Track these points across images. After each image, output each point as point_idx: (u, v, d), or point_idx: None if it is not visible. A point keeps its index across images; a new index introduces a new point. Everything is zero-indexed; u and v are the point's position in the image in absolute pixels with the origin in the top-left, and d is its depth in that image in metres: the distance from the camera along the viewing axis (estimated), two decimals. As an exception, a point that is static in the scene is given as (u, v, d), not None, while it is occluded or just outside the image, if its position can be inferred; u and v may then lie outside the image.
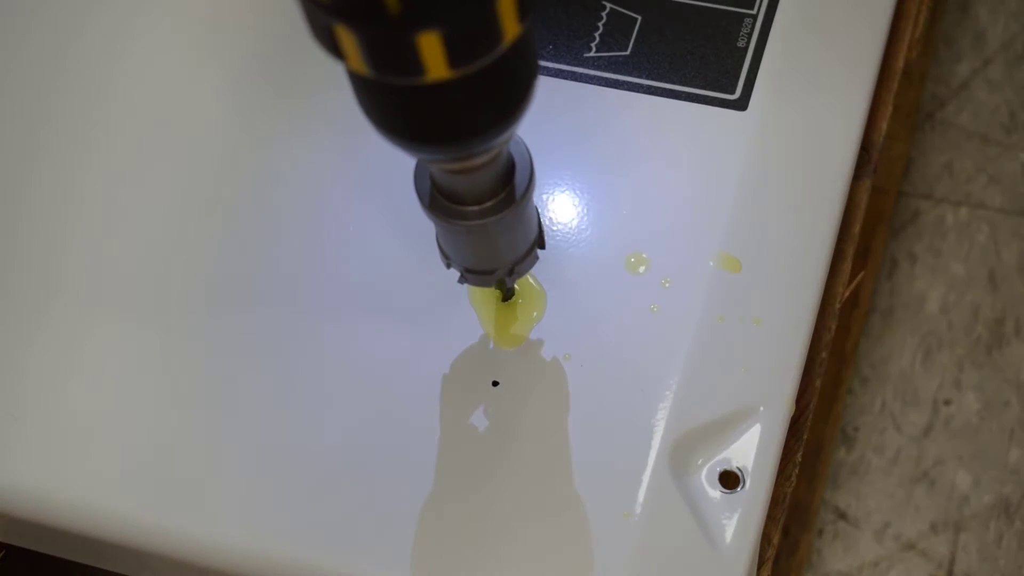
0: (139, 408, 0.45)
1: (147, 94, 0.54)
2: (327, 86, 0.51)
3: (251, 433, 0.44)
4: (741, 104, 0.51)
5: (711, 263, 0.46)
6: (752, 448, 0.43)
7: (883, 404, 0.92)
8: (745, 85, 0.52)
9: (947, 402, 0.91)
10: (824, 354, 0.54)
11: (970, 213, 0.99)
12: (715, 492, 0.42)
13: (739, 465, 0.42)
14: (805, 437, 0.51)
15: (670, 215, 0.48)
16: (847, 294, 0.56)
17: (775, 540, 0.49)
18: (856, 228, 0.57)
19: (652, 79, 0.52)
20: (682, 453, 0.43)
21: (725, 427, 0.43)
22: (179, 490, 0.43)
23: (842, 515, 0.87)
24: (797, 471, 0.50)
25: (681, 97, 0.52)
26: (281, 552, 0.42)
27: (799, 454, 0.50)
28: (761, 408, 0.44)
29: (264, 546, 0.42)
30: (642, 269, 0.47)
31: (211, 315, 0.47)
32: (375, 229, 0.49)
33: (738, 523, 0.41)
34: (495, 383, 0.45)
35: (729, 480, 0.42)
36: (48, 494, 0.44)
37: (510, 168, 0.39)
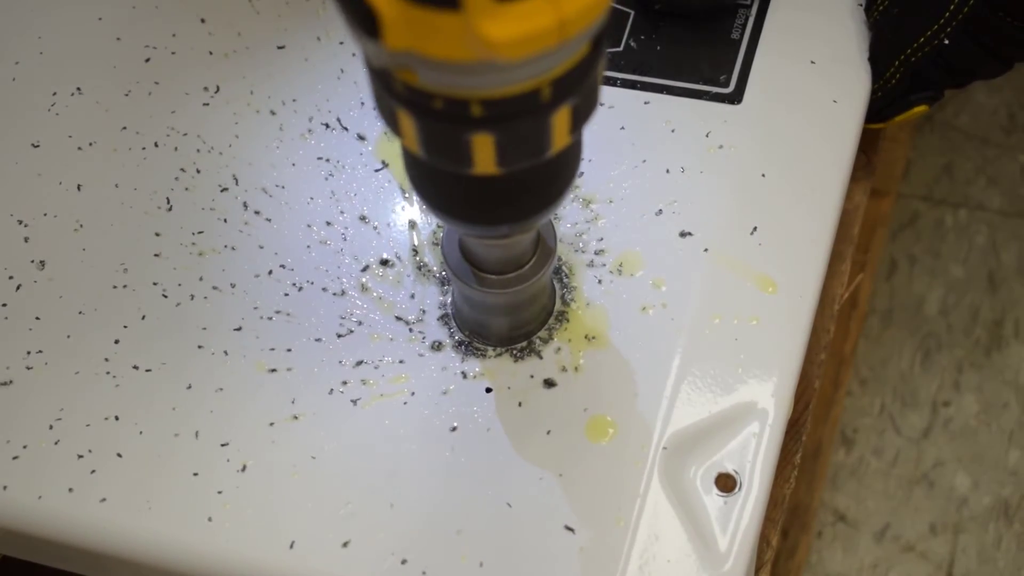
0: (133, 420, 0.45)
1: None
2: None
3: (246, 446, 0.44)
4: (735, 98, 0.51)
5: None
6: (749, 450, 0.42)
7: (882, 406, 0.92)
8: (739, 78, 0.51)
9: (946, 404, 0.92)
10: (823, 356, 0.53)
11: (969, 215, 1.00)
12: (711, 496, 0.42)
13: (735, 468, 0.42)
14: (804, 439, 0.51)
15: (664, 214, 0.48)
16: (846, 296, 0.56)
17: (774, 542, 0.49)
18: (855, 230, 0.57)
19: (645, 75, 0.52)
20: (678, 456, 0.42)
21: (722, 429, 0.43)
22: (173, 501, 0.43)
23: (841, 517, 0.87)
24: (796, 473, 0.50)
25: (675, 92, 0.52)
26: (270, 563, 0.42)
27: (798, 456, 0.50)
28: (758, 409, 0.43)
29: (256, 557, 0.42)
30: (636, 270, 0.47)
31: (192, 321, 0.47)
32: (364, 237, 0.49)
33: (735, 527, 0.41)
34: (488, 390, 0.45)
35: (725, 483, 0.42)
36: (42, 508, 0.44)
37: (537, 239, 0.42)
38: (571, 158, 0.36)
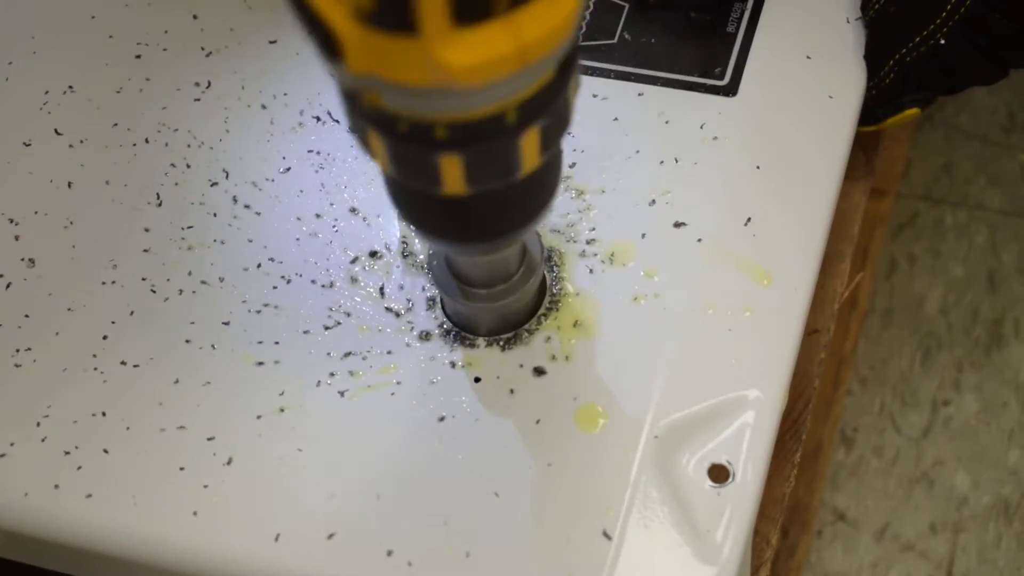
0: (119, 415, 0.45)
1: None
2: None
3: (232, 439, 0.44)
4: (730, 90, 0.51)
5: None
6: (743, 441, 0.42)
7: (882, 405, 0.92)
8: (735, 71, 0.51)
9: (946, 403, 0.91)
10: (823, 355, 0.53)
11: (969, 214, 0.99)
12: (704, 486, 0.41)
13: (728, 459, 0.41)
14: (804, 438, 0.50)
15: (657, 204, 0.48)
16: (846, 295, 0.56)
17: (773, 541, 0.48)
18: (855, 229, 0.57)
19: (639, 67, 0.52)
20: (669, 446, 0.42)
21: (715, 419, 0.42)
22: (159, 496, 0.43)
23: (841, 516, 0.87)
24: (796, 472, 0.50)
25: (669, 84, 0.51)
26: (255, 556, 0.41)
27: (798, 455, 0.50)
28: (752, 399, 0.43)
29: (241, 551, 0.41)
30: (629, 260, 0.46)
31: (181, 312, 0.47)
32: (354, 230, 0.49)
33: (728, 518, 0.40)
34: (477, 379, 0.44)
35: (718, 474, 0.41)
36: (27, 504, 0.43)
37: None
38: (548, 177, 0.35)
